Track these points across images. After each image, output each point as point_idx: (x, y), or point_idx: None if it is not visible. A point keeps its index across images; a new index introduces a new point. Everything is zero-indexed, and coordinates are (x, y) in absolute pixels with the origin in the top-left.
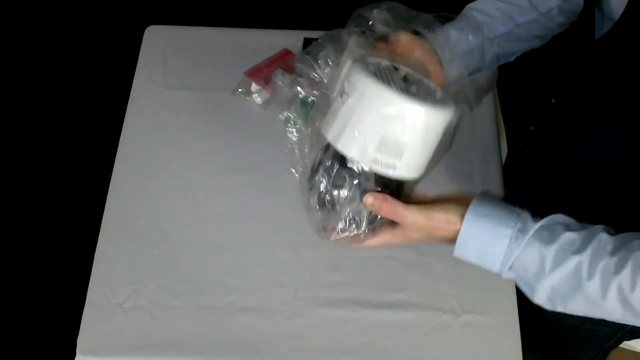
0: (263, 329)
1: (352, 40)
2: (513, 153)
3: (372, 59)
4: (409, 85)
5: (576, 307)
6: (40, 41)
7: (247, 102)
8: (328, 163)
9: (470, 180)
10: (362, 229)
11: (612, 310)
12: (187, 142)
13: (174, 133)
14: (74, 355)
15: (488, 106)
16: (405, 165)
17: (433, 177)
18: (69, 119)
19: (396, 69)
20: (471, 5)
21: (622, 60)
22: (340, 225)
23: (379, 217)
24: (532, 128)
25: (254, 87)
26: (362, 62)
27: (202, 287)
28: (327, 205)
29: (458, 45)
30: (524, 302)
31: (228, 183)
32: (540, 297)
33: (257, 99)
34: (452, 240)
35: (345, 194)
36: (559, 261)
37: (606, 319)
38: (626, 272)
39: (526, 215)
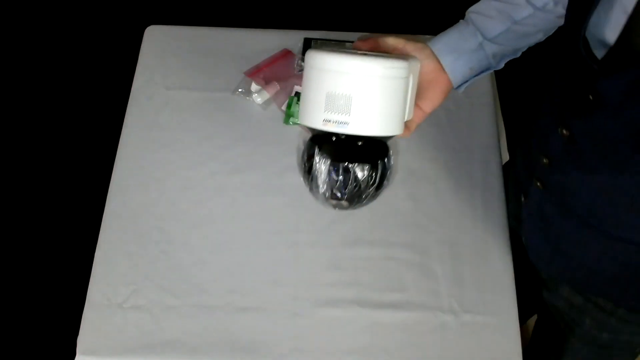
0: (263, 329)
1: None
2: (522, 185)
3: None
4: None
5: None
6: (41, 41)
7: (247, 102)
8: (305, 145)
9: (470, 180)
10: (345, 193)
11: None
12: (187, 142)
13: (174, 133)
14: (74, 355)
15: (488, 106)
16: (357, 120)
17: (433, 177)
18: (69, 119)
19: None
20: (471, 8)
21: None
22: (326, 193)
23: (362, 185)
24: (544, 161)
25: (254, 87)
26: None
27: (202, 287)
28: (312, 181)
29: (459, 48)
30: (547, 320)
31: (228, 183)
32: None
33: (257, 99)
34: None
35: (320, 168)
36: None
37: None
38: None
39: None
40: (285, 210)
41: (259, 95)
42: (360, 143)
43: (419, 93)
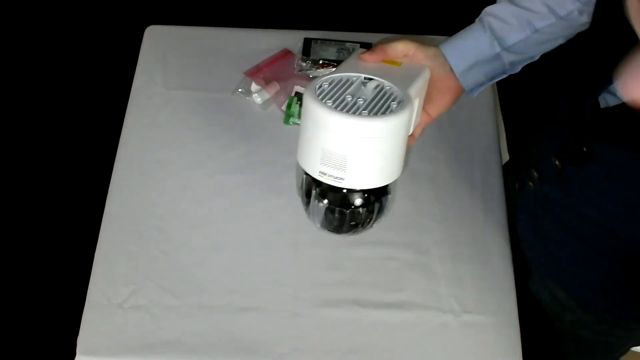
0: (263, 329)
1: (354, 54)
2: (518, 180)
3: (341, 74)
4: (367, 98)
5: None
6: (41, 41)
7: (247, 102)
8: (305, 179)
9: (470, 180)
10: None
11: None
12: (187, 142)
13: (174, 133)
14: (74, 355)
15: (488, 106)
16: (353, 177)
17: (432, 176)
18: (69, 119)
19: (370, 79)
20: (487, 10)
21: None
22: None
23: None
24: (535, 174)
25: (254, 87)
26: (315, 81)
27: (202, 287)
28: (310, 213)
29: (473, 56)
30: (532, 310)
31: (228, 183)
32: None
33: (257, 99)
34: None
35: (319, 205)
36: None
37: None
38: None
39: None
40: (285, 210)
41: (259, 95)
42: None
43: (428, 98)
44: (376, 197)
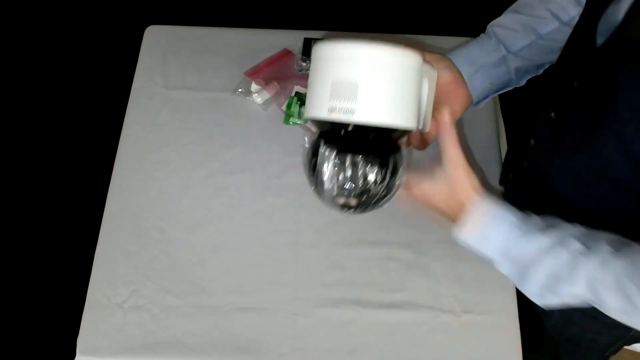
0: (263, 329)
1: None
2: (512, 164)
3: None
4: None
5: (571, 290)
6: (41, 41)
7: (247, 102)
8: (310, 143)
9: None
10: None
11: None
12: (187, 142)
13: (174, 133)
14: (74, 355)
15: (488, 107)
16: (364, 107)
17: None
18: (69, 119)
19: None
20: (492, 22)
21: (623, 68)
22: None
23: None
24: (532, 142)
25: (254, 87)
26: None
27: (202, 287)
28: (318, 179)
29: (480, 60)
30: (524, 308)
31: (228, 183)
32: (532, 285)
33: (257, 99)
34: (461, 211)
35: (328, 166)
36: (557, 248)
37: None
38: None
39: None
40: (285, 210)
41: (259, 95)
42: (370, 137)
43: (437, 105)
44: (387, 152)
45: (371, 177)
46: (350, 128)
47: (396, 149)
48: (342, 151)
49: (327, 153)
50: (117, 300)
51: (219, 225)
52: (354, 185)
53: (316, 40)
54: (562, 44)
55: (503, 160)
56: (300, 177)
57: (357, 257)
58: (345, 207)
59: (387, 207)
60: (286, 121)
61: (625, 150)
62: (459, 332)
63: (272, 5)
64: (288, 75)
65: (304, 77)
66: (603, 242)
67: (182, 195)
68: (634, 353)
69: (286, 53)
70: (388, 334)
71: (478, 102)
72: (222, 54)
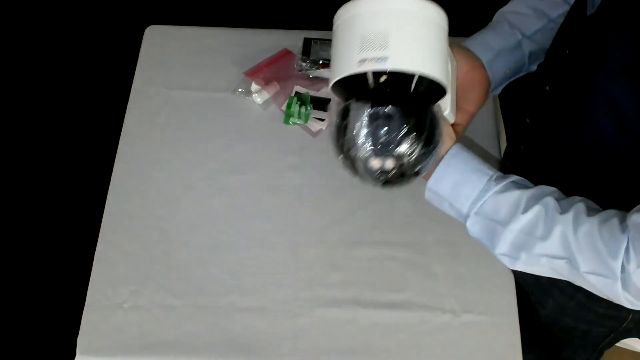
0: (263, 329)
1: None
2: (509, 150)
3: None
4: None
5: (545, 248)
6: (41, 41)
7: (247, 102)
8: (340, 109)
9: None
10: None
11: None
12: (187, 142)
13: (174, 133)
14: (74, 355)
15: (488, 104)
16: (398, 52)
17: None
18: (69, 119)
19: None
20: (502, 10)
21: (612, 29)
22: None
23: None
24: (527, 121)
25: (254, 87)
26: None
27: (202, 287)
28: (349, 142)
29: (497, 46)
30: (520, 302)
31: (228, 183)
32: (505, 243)
33: (257, 99)
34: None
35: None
36: (532, 203)
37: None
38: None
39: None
40: (285, 210)
41: (259, 95)
42: (404, 89)
43: (460, 95)
44: (423, 105)
45: (408, 132)
46: (382, 80)
47: (431, 104)
48: (376, 104)
49: (359, 109)
50: (117, 300)
51: (219, 225)
52: (389, 140)
53: (316, 40)
54: None
55: (502, 155)
56: (301, 177)
57: (357, 257)
58: (381, 173)
59: (387, 206)
60: (286, 121)
61: (615, 113)
62: (459, 332)
63: (272, 5)
64: (288, 75)
65: (304, 77)
66: (578, 201)
67: (182, 195)
68: (634, 354)
69: (286, 53)
70: (388, 334)
71: (493, 90)
72: (222, 54)
